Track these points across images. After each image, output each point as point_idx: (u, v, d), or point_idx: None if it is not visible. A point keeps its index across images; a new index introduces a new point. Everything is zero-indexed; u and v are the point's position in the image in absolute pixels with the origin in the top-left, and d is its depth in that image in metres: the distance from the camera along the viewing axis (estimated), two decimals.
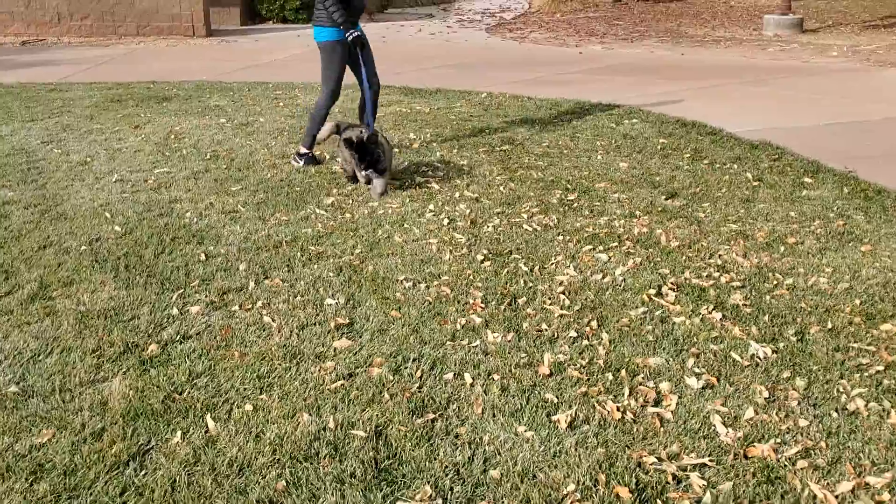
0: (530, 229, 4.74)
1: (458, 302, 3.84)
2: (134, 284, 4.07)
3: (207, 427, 2.92)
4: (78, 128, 7.46)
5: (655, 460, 2.70)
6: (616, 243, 4.50)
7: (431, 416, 2.97)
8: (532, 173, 5.85)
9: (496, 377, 3.20)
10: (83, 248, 4.54)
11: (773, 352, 3.36)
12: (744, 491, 2.55)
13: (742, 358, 3.33)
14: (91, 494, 2.59)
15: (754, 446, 2.76)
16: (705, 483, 2.59)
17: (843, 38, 14.01)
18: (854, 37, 14.11)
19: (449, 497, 2.57)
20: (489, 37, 15.14)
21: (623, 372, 3.22)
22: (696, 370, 3.24)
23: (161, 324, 3.68)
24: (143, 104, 8.57)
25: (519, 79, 10.02)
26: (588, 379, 3.18)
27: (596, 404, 3.02)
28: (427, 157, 6.42)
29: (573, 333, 3.52)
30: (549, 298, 3.85)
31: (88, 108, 8.39)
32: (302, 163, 6.15)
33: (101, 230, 4.81)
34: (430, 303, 3.83)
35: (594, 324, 3.61)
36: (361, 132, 5.41)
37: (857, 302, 3.79)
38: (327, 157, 6.42)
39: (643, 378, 3.19)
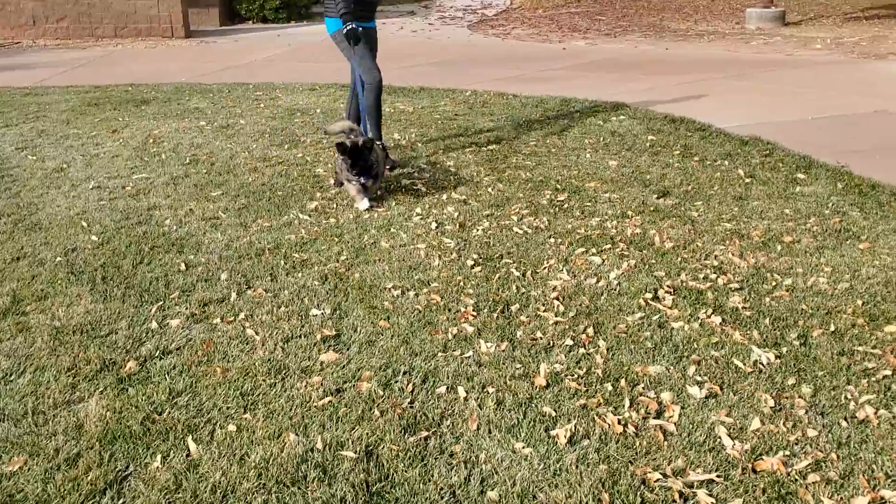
0: (521, 232, 4.61)
1: (449, 310, 3.71)
2: (111, 297, 3.91)
3: (189, 450, 2.77)
4: (54, 133, 7.26)
5: (660, 476, 2.58)
6: (609, 245, 4.38)
7: (424, 433, 2.83)
8: (520, 173, 5.72)
9: (491, 390, 3.07)
10: (58, 259, 4.37)
11: (777, 357, 3.25)
12: None
13: (745, 364, 3.21)
14: None
15: (763, 459, 2.65)
16: (714, 500, 2.48)
17: (825, 30, 13.99)
18: (836, 29, 14.09)
19: None
20: (471, 34, 15.00)
21: (622, 382, 3.10)
22: (698, 378, 3.12)
23: (140, 339, 3.52)
24: (121, 108, 8.38)
25: (503, 76, 9.89)
26: (586, 390, 3.06)
27: (596, 417, 2.89)
28: (412, 158, 6.27)
29: (569, 341, 3.39)
30: (543, 305, 3.73)
31: (65, 112, 8.19)
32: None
33: (77, 240, 4.64)
34: (419, 311, 3.70)
35: (590, 331, 3.48)
36: (354, 137, 5.21)
37: (860, 303, 3.69)
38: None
39: (643, 388, 3.07)
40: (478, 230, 4.67)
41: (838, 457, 2.65)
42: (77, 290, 3.99)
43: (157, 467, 2.69)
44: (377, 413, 2.96)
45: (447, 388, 3.10)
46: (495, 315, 3.64)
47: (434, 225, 4.78)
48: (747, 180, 5.48)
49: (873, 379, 3.08)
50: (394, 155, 6.20)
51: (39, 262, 4.33)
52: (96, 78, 10.42)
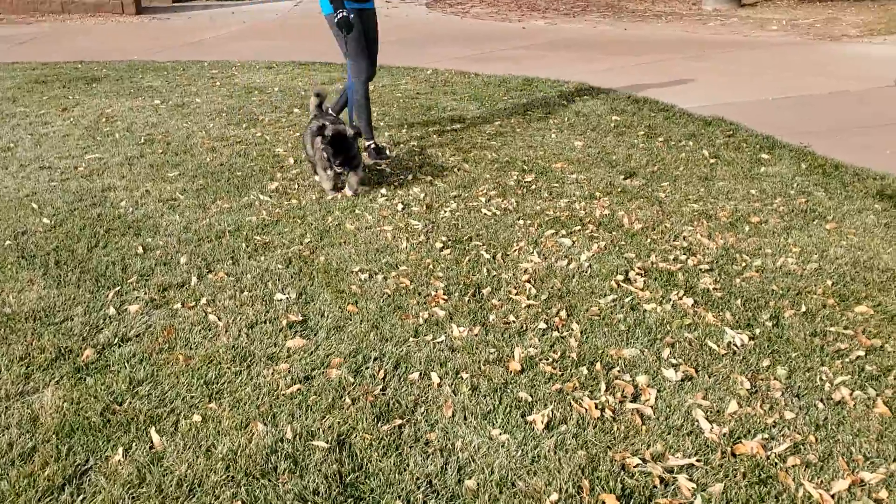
0: (489, 213, 4.54)
1: (419, 294, 3.62)
2: (66, 282, 3.74)
3: (152, 442, 2.66)
4: None
5: (640, 462, 2.54)
6: (578, 227, 4.33)
7: (398, 421, 2.75)
8: (486, 154, 5.64)
9: (465, 375, 3.00)
10: (8, 242, 4.18)
11: (750, 338, 3.23)
12: (736, 493, 2.41)
13: (718, 346, 3.19)
14: None
15: (742, 443, 2.62)
16: (694, 486, 2.44)
17: (780, 12, 14.11)
18: (791, 11, 14.22)
19: None
20: (429, 12, 14.83)
21: (598, 365, 3.05)
22: (673, 361, 3.08)
23: (97, 325, 3.37)
24: (71, 85, 8.09)
25: (463, 55, 9.78)
26: (562, 374, 3.00)
27: (572, 402, 2.84)
28: (375, 137, 6.14)
29: (542, 325, 3.34)
30: (515, 287, 3.66)
31: (10, 89, 7.88)
32: (373, 158, 5.56)
33: (27, 223, 4.45)
34: (388, 296, 3.61)
35: (563, 313, 3.43)
36: (334, 123, 4.88)
37: (829, 283, 3.69)
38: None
39: (619, 371, 3.02)
40: (445, 212, 4.58)
41: (816, 439, 2.64)
42: (28, 274, 3.81)
43: (119, 461, 2.57)
44: (348, 401, 2.86)
45: (420, 374, 3.02)
46: (466, 299, 3.56)
47: (400, 206, 4.68)
48: (712, 161, 5.48)
49: (847, 360, 3.08)
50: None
51: None
52: (43, 54, 10.07)
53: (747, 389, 2.90)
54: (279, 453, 2.60)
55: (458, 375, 3.00)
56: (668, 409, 2.80)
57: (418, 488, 2.45)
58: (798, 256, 3.98)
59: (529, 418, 2.75)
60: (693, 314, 3.43)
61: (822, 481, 2.45)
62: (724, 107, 6.96)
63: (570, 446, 2.61)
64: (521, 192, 4.85)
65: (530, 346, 3.19)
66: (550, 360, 3.09)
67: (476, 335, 3.27)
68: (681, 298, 3.56)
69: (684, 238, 4.21)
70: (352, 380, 2.99)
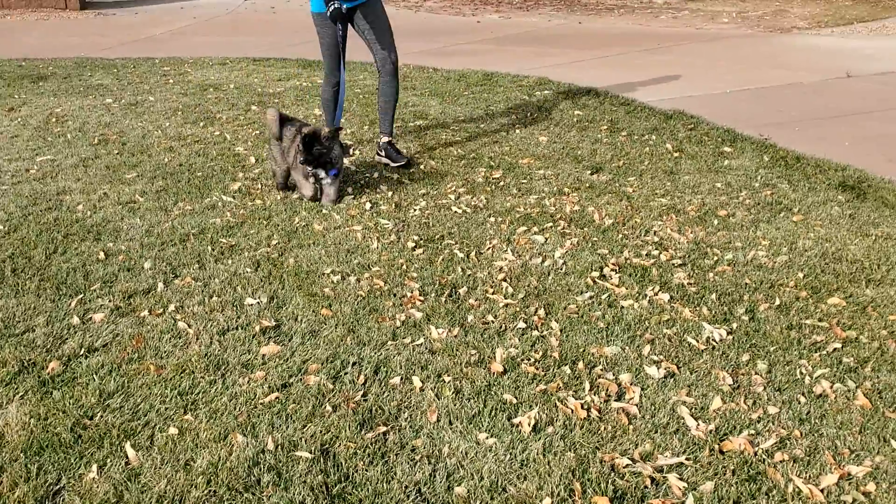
0: (459, 211, 4.49)
1: (395, 295, 3.56)
2: (24, 291, 3.60)
3: (127, 457, 2.56)
4: None
5: (629, 462, 2.52)
6: (550, 223, 4.30)
7: (382, 428, 2.69)
8: (452, 150, 5.59)
9: (447, 378, 2.95)
10: None
11: (728, 333, 3.24)
12: (726, 491, 2.40)
13: (698, 341, 3.19)
14: None
15: (729, 440, 2.62)
16: (685, 485, 2.43)
17: (729, 4, 14.31)
18: (740, 3, 14.43)
19: None
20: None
21: (580, 364, 3.03)
22: (654, 358, 3.08)
23: (61, 336, 3.24)
24: (16, 84, 7.82)
25: (420, 49, 9.71)
26: (545, 374, 2.97)
27: (557, 402, 2.81)
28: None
29: (521, 324, 3.30)
30: (491, 287, 3.62)
31: None
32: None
33: None
34: (363, 298, 3.54)
35: (542, 312, 3.40)
36: (305, 126, 4.60)
37: (801, 275, 3.72)
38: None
39: (601, 370, 3.00)
40: (415, 210, 4.52)
41: (801, 434, 2.65)
42: None
43: (94, 478, 2.46)
44: (329, 408, 2.79)
45: (401, 378, 2.96)
46: (443, 299, 3.51)
47: (368, 205, 4.60)
48: (676, 155, 5.50)
49: (824, 352, 3.10)
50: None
51: None
52: None
53: (730, 385, 2.91)
54: (261, 465, 2.52)
55: (440, 379, 2.95)
56: (653, 408, 2.79)
57: (408, 497, 2.39)
58: (768, 249, 4.01)
59: (515, 421, 2.72)
60: (670, 310, 3.43)
61: (810, 476, 2.46)
62: (683, 100, 7.01)
63: (558, 448, 2.59)
64: (490, 189, 4.82)
65: (511, 346, 3.15)
66: (532, 360, 3.06)
67: (455, 336, 3.22)
68: (656, 294, 3.55)
69: (655, 233, 4.21)
70: (331, 386, 2.92)
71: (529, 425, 2.68)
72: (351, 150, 5.56)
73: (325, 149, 4.41)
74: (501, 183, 4.93)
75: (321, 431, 2.67)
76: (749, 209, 4.52)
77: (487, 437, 2.63)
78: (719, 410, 2.77)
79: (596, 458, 2.54)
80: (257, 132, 6.09)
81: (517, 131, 6.07)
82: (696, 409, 2.79)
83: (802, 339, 3.19)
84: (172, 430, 2.67)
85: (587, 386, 2.90)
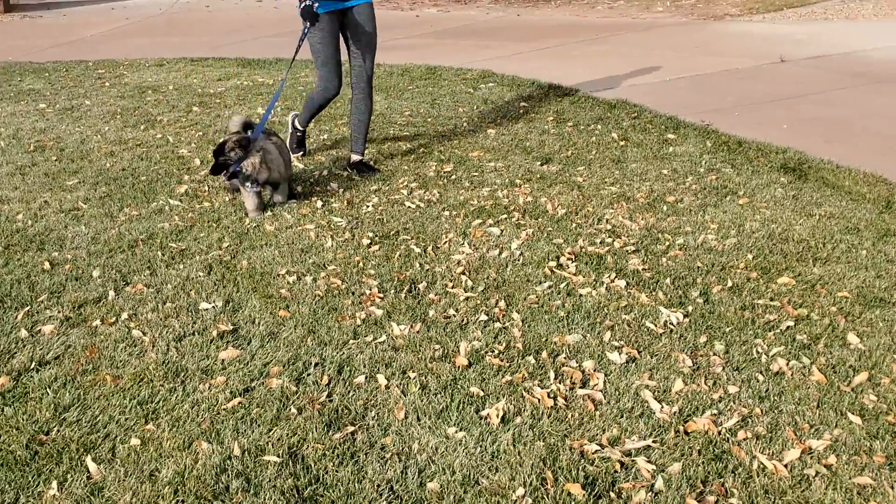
0: (413, 206, 4.47)
1: (353, 293, 3.53)
2: None
3: (89, 471, 2.49)
4: None
5: (598, 447, 2.55)
6: (504, 215, 4.32)
7: (350, 428, 2.67)
8: (401, 145, 5.57)
9: (412, 375, 2.94)
10: None
11: (685, 316, 3.30)
12: (694, 471, 2.44)
13: (656, 325, 3.24)
14: None
15: (693, 421, 2.66)
16: (654, 467, 2.46)
17: None
18: None
19: None
20: None
21: (544, 354, 3.04)
22: (616, 343, 3.11)
23: (9, 350, 3.14)
24: None
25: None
26: (509, 365, 2.98)
27: (524, 392, 2.82)
28: (282, 133, 5.97)
29: (483, 317, 3.31)
30: (450, 281, 3.62)
31: None
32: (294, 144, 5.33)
33: None
34: (321, 297, 3.50)
35: (502, 304, 3.41)
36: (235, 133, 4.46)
37: (750, 257, 3.81)
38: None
39: (565, 358, 3.03)
40: (368, 206, 4.49)
41: (762, 411, 2.71)
42: None
43: (55, 495, 2.39)
44: (294, 411, 2.76)
45: (365, 377, 2.94)
46: (403, 295, 3.50)
47: (319, 203, 4.56)
48: (622, 143, 5.57)
49: (778, 331, 3.18)
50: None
51: None
52: None
53: (690, 367, 2.96)
54: (229, 472, 2.48)
55: (406, 375, 2.94)
56: (617, 393, 2.83)
57: (380, 496, 2.38)
58: (717, 233, 4.09)
59: (483, 413, 2.72)
60: (627, 296, 3.47)
61: (773, 452, 2.52)
62: (625, 89, 7.10)
63: (527, 438, 2.60)
64: (442, 183, 4.81)
65: (474, 339, 3.15)
66: (496, 352, 3.07)
67: (418, 332, 3.21)
68: (613, 281, 3.60)
69: (607, 221, 4.26)
70: (295, 388, 2.88)
71: (498, 417, 2.69)
72: (295, 150, 5.44)
73: (227, 159, 4.26)
74: (453, 176, 4.93)
75: (288, 434, 2.64)
76: (696, 194, 4.60)
77: (457, 431, 2.63)
78: (681, 392, 2.82)
79: (565, 446, 2.56)
80: (200, 133, 5.97)
81: (465, 124, 6.08)
82: (658, 392, 2.83)
83: (756, 319, 3.27)
84: (134, 441, 2.61)
85: (552, 375, 2.92)
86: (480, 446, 2.56)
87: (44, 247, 4.05)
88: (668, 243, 3.98)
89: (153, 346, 3.15)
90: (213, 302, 3.48)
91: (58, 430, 2.67)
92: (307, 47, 4.87)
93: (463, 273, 3.68)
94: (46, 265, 3.84)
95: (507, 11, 12.79)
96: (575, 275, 3.66)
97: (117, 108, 6.79)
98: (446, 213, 4.37)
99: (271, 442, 2.60)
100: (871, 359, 2.98)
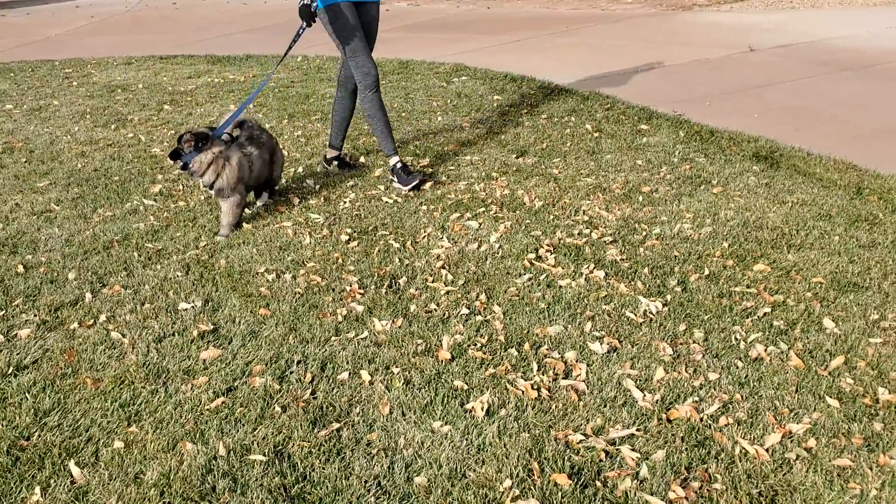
0: (391, 201, 4.47)
1: (333, 290, 3.52)
2: None
3: (72, 476, 2.46)
4: None
5: (582, 437, 2.57)
6: (482, 208, 4.33)
7: (335, 425, 2.67)
8: (375, 140, 5.55)
9: (395, 370, 2.94)
10: None
11: (664, 305, 3.33)
12: (678, 458, 2.47)
13: (636, 315, 3.27)
14: None
15: (675, 408, 2.69)
16: (638, 455, 2.49)
17: None
18: None
19: None
20: None
21: (526, 345, 3.06)
22: (597, 334, 3.14)
23: None
24: None
25: (330, 39, 9.58)
26: (492, 358, 3.00)
27: (507, 385, 2.84)
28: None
29: (465, 310, 3.32)
30: (431, 275, 3.62)
31: None
32: (401, 180, 4.60)
33: None
34: (301, 295, 3.49)
35: (483, 297, 3.42)
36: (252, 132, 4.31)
37: (725, 245, 3.85)
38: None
39: (547, 349, 3.04)
40: (345, 202, 4.48)
41: (742, 397, 2.75)
42: None
43: (38, 500, 2.37)
44: (278, 409, 2.75)
45: (349, 373, 2.94)
46: (383, 291, 3.50)
47: (296, 200, 4.54)
48: (596, 135, 5.60)
49: (755, 317, 3.22)
50: None
51: None
52: None
53: (670, 355, 2.99)
54: (215, 472, 2.47)
55: (389, 370, 2.94)
56: (599, 383, 2.85)
57: (368, 492, 2.38)
58: (693, 222, 4.13)
59: (468, 406, 2.73)
60: (606, 286, 3.50)
61: (754, 437, 2.56)
62: (596, 80, 7.14)
63: (512, 430, 2.61)
64: None
65: (456, 332, 3.16)
66: (479, 345, 3.08)
67: (400, 327, 3.21)
68: (592, 272, 3.62)
69: (584, 212, 4.29)
70: (278, 387, 2.87)
71: (482, 410, 2.70)
72: (419, 172, 4.74)
73: (181, 149, 4.09)
74: (430, 170, 4.93)
75: (273, 433, 2.63)
76: (671, 184, 4.65)
77: (442, 425, 2.64)
78: (663, 380, 2.85)
79: (550, 437, 2.58)
80: (172, 132, 5.91)
81: (439, 118, 6.08)
82: (640, 380, 2.86)
83: (734, 306, 3.31)
84: (118, 444, 2.59)
85: (535, 366, 2.94)
86: (466, 439, 2.58)
87: (17, 250, 3.99)
88: (644, 233, 4.02)
89: (133, 348, 3.13)
90: (193, 302, 3.46)
91: (39, 435, 2.64)
92: (303, 45, 4.77)
93: (443, 267, 3.68)
94: (20, 268, 3.79)
95: (478, 4, 12.79)
96: (554, 266, 3.68)
97: (86, 107, 6.70)
98: (424, 207, 4.37)
99: (256, 441, 2.60)
100: (846, 343, 3.03)
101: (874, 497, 2.31)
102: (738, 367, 2.91)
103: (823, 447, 2.50)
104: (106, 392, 2.86)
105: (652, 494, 2.33)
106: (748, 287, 3.46)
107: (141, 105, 6.75)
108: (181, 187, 4.82)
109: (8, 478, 2.46)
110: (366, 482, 2.41)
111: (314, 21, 4.37)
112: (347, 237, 4.02)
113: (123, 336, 3.21)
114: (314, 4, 4.34)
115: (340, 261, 3.79)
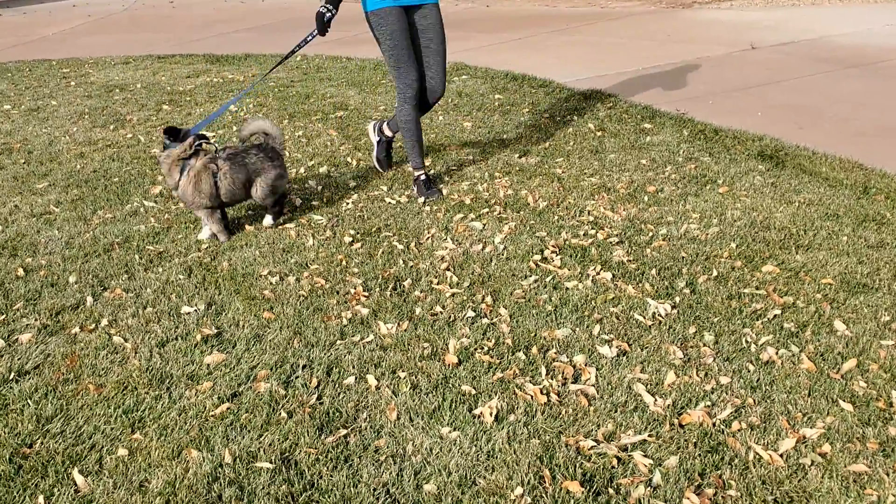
0: (393, 202, 4.43)
1: (338, 293, 3.48)
2: None
3: (76, 484, 2.42)
4: None
5: (594, 443, 2.53)
6: (486, 209, 4.29)
7: (342, 431, 2.63)
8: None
9: (402, 374, 2.90)
10: None
11: (672, 307, 3.29)
12: (691, 464, 2.44)
13: (644, 317, 3.23)
14: None
15: (687, 413, 2.66)
16: (650, 461, 2.45)
17: None
18: None
19: None
20: None
21: (534, 349, 3.02)
22: (605, 337, 3.10)
23: None
24: None
25: (328, 38, 9.52)
26: (500, 362, 2.96)
27: (516, 389, 2.80)
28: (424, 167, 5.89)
29: (470, 313, 3.28)
30: (435, 277, 3.59)
31: None
32: (422, 193, 4.46)
33: None
34: (305, 298, 3.45)
35: (489, 299, 3.38)
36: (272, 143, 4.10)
37: (733, 245, 3.82)
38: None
39: (555, 353, 3.01)
40: (347, 203, 4.44)
41: (755, 401, 2.71)
42: None
43: None
44: (284, 415, 2.71)
45: (355, 377, 2.90)
46: (388, 293, 3.46)
47: (299, 201, 4.50)
48: (599, 133, 5.57)
49: (765, 319, 3.18)
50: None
51: None
52: None
53: (680, 358, 2.95)
54: (221, 480, 2.43)
55: (395, 375, 2.90)
56: (609, 387, 2.81)
57: (377, 500, 2.34)
58: (699, 222, 4.09)
59: (476, 412, 2.69)
60: (614, 288, 3.46)
61: (768, 442, 2.52)
62: (598, 79, 7.10)
63: (522, 436, 2.58)
64: None
65: (462, 336, 3.12)
66: (486, 348, 3.04)
67: (405, 330, 3.17)
68: (599, 273, 3.58)
69: (589, 212, 4.25)
70: (283, 392, 2.83)
71: (491, 415, 2.66)
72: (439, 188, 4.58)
73: (165, 145, 3.96)
74: (432, 171, 4.89)
75: (279, 439, 2.59)
76: (676, 184, 4.61)
77: (450, 431, 2.60)
78: (674, 385, 2.81)
79: (561, 443, 2.54)
80: None
81: (440, 118, 6.03)
82: (651, 385, 2.82)
83: (743, 308, 3.27)
84: (122, 452, 2.55)
85: (543, 370, 2.90)
86: (475, 446, 2.54)
87: (17, 253, 3.95)
88: (651, 234, 3.98)
89: (136, 353, 3.09)
90: (195, 305, 3.42)
91: (42, 443, 2.60)
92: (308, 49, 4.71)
93: (447, 269, 3.64)
94: (20, 272, 3.74)
95: (477, 2, 12.74)
96: (560, 268, 3.64)
97: (84, 107, 6.65)
98: (427, 208, 4.33)
99: (263, 448, 2.56)
100: (857, 345, 3.00)
101: (891, 503, 2.28)
102: (749, 371, 2.87)
103: (838, 452, 2.46)
104: (109, 398, 2.82)
105: (666, 502, 2.30)
106: (757, 289, 3.42)
107: (139, 105, 6.71)
108: None
109: (11, 487, 2.42)
110: (374, 490, 2.37)
111: (327, 31, 4.21)
112: (351, 239, 3.98)
113: (126, 341, 3.17)
114: (328, 15, 4.16)
115: (344, 263, 3.75)
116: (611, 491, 2.35)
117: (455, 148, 5.31)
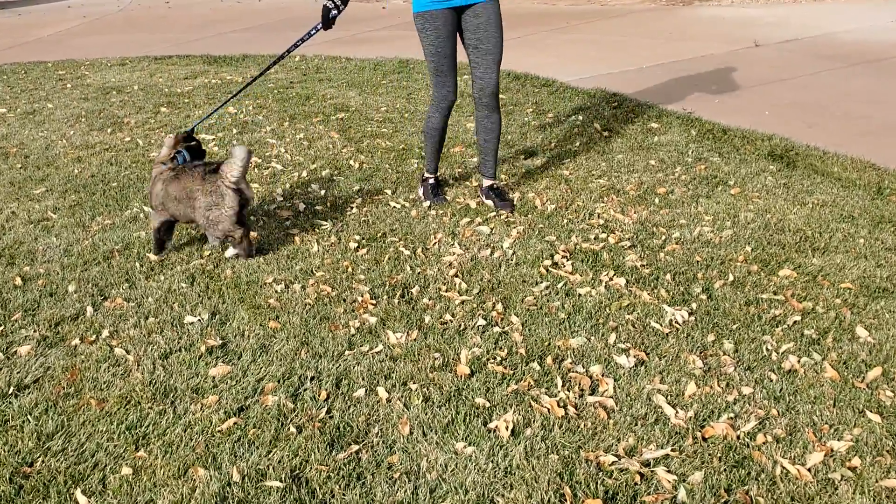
0: (398, 206, 4.34)
1: (345, 301, 3.39)
2: None
3: None
4: None
5: (615, 459, 2.45)
6: (493, 213, 4.20)
7: (354, 446, 2.54)
8: (379, 142, 5.42)
9: (413, 386, 2.81)
10: None
11: (690, 314, 3.21)
12: (717, 480, 2.35)
13: (661, 325, 3.14)
14: None
15: (710, 426, 2.57)
16: (675, 477, 2.37)
17: None
18: None
19: None
20: None
21: (548, 359, 2.94)
22: (621, 346, 3.01)
23: None
24: None
25: (328, 38, 9.43)
26: (514, 373, 2.87)
27: (532, 402, 2.71)
28: (256, 132, 5.80)
29: (481, 321, 3.19)
30: (444, 284, 3.50)
31: None
32: (428, 197, 4.38)
33: None
34: (311, 306, 3.36)
35: (500, 307, 3.29)
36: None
37: (748, 249, 3.73)
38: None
39: (571, 363, 2.92)
40: (352, 208, 4.35)
41: (779, 412, 2.63)
42: None
43: None
44: (293, 430, 2.62)
45: (365, 390, 2.81)
46: (396, 301, 3.37)
47: (302, 206, 4.40)
48: (605, 134, 5.48)
49: (785, 326, 3.10)
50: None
51: None
52: None
53: (701, 368, 2.87)
54: (230, 500, 2.34)
55: (406, 387, 2.81)
56: (629, 399, 2.73)
57: None
58: (712, 224, 4.01)
59: (492, 426, 2.60)
60: (628, 294, 3.38)
61: (795, 456, 2.43)
62: (602, 78, 7.01)
63: (540, 452, 2.49)
64: None
65: (474, 345, 3.04)
66: (498, 358, 2.95)
67: (415, 340, 3.08)
68: (612, 279, 3.50)
69: (599, 215, 4.16)
70: (292, 405, 2.74)
71: (507, 429, 2.58)
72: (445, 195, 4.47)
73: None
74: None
75: (289, 456, 2.50)
76: (686, 185, 4.52)
77: (466, 446, 2.51)
78: (695, 396, 2.73)
79: (580, 458, 2.45)
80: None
81: None
82: (671, 396, 2.74)
83: (762, 315, 3.19)
84: (126, 470, 2.46)
85: (559, 382, 2.81)
86: (492, 462, 2.45)
87: (14, 261, 3.86)
88: (663, 237, 3.90)
89: (138, 366, 2.99)
90: (199, 315, 3.33)
91: (42, 461, 2.51)
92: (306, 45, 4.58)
93: (456, 275, 3.56)
94: (18, 281, 3.65)
95: None
96: (572, 273, 3.55)
97: (81, 110, 6.55)
98: (433, 212, 4.24)
99: (272, 465, 2.47)
100: (881, 352, 2.92)
101: None
102: (772, 381, 2.78)
103: (868, 466, 2.38)
104: (111, 413, 2.72)
105: None
106: (775, 294, 3.34)
107: (137, 107, 6.61)
108: None
109: None
110: None
111: (331, 27, 4.10)
112: (356, 244, 3.89)
113: (128, 352, 3.08)
114: (334, 12, 4.03)
115: (350, 269, 3.66)
116: None
117: (459, 149, 5.22)
